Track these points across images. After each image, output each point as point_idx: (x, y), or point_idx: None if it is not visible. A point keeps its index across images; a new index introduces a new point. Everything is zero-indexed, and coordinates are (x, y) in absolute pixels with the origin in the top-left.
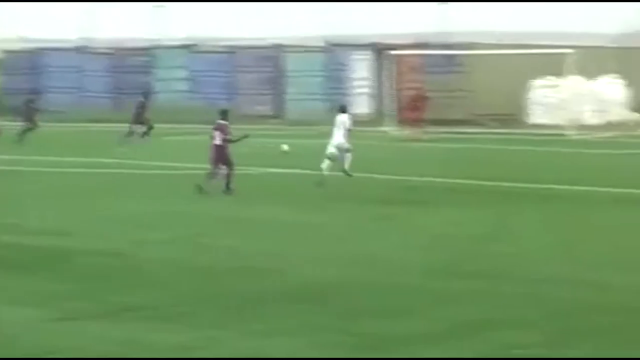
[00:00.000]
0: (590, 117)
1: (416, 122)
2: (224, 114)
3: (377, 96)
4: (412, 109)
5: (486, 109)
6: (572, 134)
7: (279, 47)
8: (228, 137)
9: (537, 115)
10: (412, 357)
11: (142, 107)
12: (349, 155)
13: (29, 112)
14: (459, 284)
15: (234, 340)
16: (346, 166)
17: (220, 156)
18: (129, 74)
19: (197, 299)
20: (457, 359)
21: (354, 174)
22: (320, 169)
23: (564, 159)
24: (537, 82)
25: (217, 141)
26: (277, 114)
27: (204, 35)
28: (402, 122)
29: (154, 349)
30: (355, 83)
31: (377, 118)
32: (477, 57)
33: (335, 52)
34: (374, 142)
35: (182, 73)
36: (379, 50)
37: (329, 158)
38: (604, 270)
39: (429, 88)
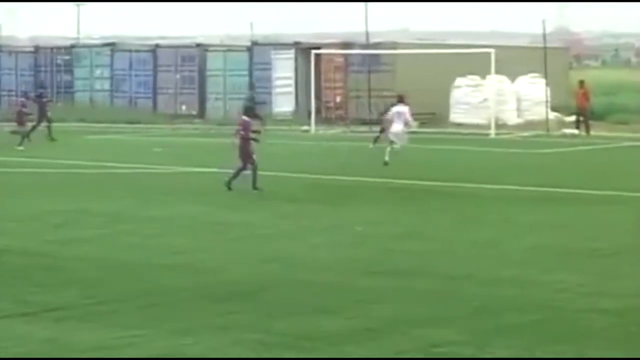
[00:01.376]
0: (511, 117)
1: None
2: (247, 110)
3: (300, 95)
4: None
5: (410, 109)
6: (493, 133)
7: (201, 46)
8: (248, 134)
9: (459, 115)
10: (334, 356)
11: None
12: (397, 147)
13: None
14: (380, 282)
15: (156, 339)
16: (386, 157)
17: (242, 153)
18: (50, 73)
19: (119, 297)
20: (379, 358)
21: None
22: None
23: (485, 158)
24: (459, 82)
25: (237, 140)
26: (200, 114)
27: (126, 33)
28: (326, 121)
29: (75, 348)
30: (279, 82)
31: (300, 117)
32: (402, 57)
33: (258, 51)
34: (297, 141)
35: (104, 72)
36: (303, 49)
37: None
38: (526, 268)
39: (353, 87)
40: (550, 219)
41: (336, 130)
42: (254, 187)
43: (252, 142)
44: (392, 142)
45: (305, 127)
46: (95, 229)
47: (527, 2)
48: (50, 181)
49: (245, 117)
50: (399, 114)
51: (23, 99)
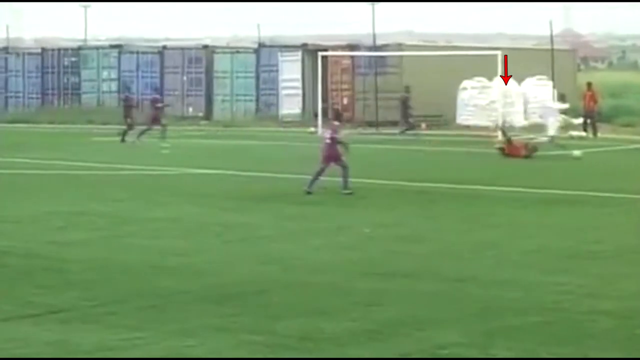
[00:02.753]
0: (518, 119)
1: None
2: (338, 116)
3: (307, 97)
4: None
5: (417, 111)
6: (500, 136)
7: (208, 48)
8: (338, 136)
9: (466, 117)
10: (337, 357)
11: None
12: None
13: None
14: (383, 284)
15: (159, 341)
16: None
17: (331, 154)
18: (57, 75)
19: (121, 299)
20: (382, 359)
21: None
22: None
23: (491, 160)
24: (466, 84)
25: (327, 139)
26: (207, 115)
27: (133, 35)
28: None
29: (79, 350)
30: (285, 84)
31: (307, 119)
32: (408, 59)
33: (265, 53)
34: (304, 142)
35: (111, 73)
36: (310, 51)
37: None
38: (528, 270)
39: (360, 89)
40: (554, 220)
41: (344, 132)
42: (346, 188)
43: (340, 145)
44: None
45: (312, 129)
46: (97, 231)
47: (532, 2)
48: (53, 182)
49: (335, 122)
50: None
51: (157, 96)
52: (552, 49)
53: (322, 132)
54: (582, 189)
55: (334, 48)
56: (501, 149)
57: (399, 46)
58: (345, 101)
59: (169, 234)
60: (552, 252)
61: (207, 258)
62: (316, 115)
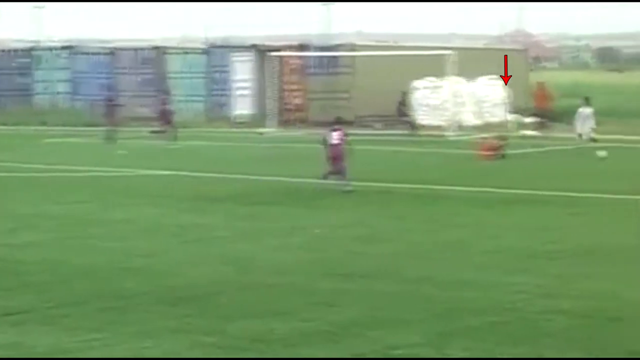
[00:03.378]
0: (470, 118)
1: None
2: (339, 121)
3: (259, 98)
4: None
5: (369, 111)
6: (452, 135)
7: (160, 49)
8: (346, 138)
9: (419, 117)
10: (292, 357)
11: None
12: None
13: None
14: (340, 285)
15: (116, 342)
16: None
17: (338, 155)
18: (8, 76)
19: (78, 301)
20: (334, 359)
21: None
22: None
23: (445, 160)
24: (418, 84)
25: (335, 140)
26: (159, 116)
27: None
28: (285, 123)
29: (36, 352)
30: (237, 85)
31: (258, 119)
32: (361, 59)
33: (216, 53)
34: (256, 143)
35: (63, 74)
36: (261, 51)
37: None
38: (487, 270)
39: (313, 89)
40: (514, 221)
41: (296, 133)
42: (346, 186)
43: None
44: None
45: (261, 130)
46: (53, 232)
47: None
48: (6, 185)
49: (338, 126)
50: None
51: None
52: (504, 49)
53: (327, 135)
54: (536, 188)
55: (285, 48)
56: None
57: (352, 46)
58: (297, 101)
59: (125, 235)
60: (512, 253)
61: (165, 259)
62: (267, 116)
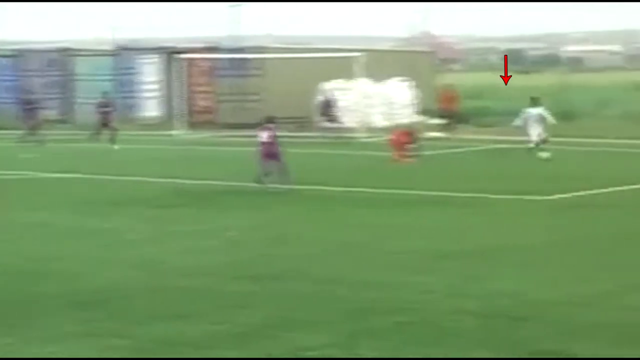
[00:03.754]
0: (379, 120)
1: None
2: (270, 120)
3: (167, 100)
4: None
5: (279, 112)
6: (362, 137)
7: (67, 51)
8: (275, 136)
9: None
10: (203, 357)
11: None
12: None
13: None
14: (250, 287)
15: (24, 347)
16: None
17: (271, 152)
18: None
19: None
20: (246, 358)
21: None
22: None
23: (354, 161)
24: (328, 85)
25: (265, 139)
26: (66, 119)
27: None
28: (194, 125)
29: None
30: (145, 87)
31: (167, 121)
32: (270, 61)
33: (124, 55)
34: (165, 145)
35: None
36: (169, 53)
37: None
38: (393, 271)
39: (222, 92)
40: (417, 221)
41: (205, 135)
42: (286, 184)
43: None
44: None
45: (172, 132)
46: None
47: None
48: None
49: (271, 124)
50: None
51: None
52: (412, 51)
53: (258, 134)
54: (445, 189)
55: (194, 50)
56: None
57: (261, 48)
58: (206, 103)
59: (33, 239)
60: (419, 253)
61: (72, 263)
62: (176, 118)
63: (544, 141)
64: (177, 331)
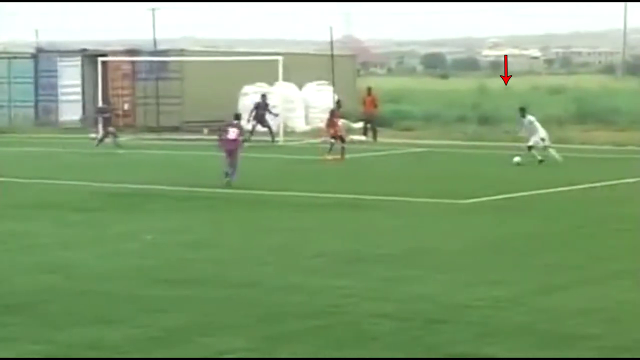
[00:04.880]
0: (299, 124)
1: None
2: (237, 118)
3: (87, 103)
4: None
5: (198, 116)
6: (282, 140)
7: None
8: (240, 133)
9: (247, 122)
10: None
11: None
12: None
13: None
14: (169, 291)
15: None
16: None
17: (233, 149)
18: None
19: None
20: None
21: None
22: (533, 155)
23: (273, 165)
24: (247, 89)
25: (232, 136)
26: None
27: None
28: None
29: None
30: (65, 90)
31: (87, 125)
32: (190, 64)
33: (44, 58)
34: (82, 149)
35: None
36: (89, 56)
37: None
38: (312, 275)
39: (141, 95)
40: (337, 225)
41: (124, 138)
42: (229, 177)
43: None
44: None
45: (92, 135)
46: None
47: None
48: None
49: (237, 122)
50: None
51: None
52: (332, 55)
53: (225, 130)
54: (363, 192)
55: (114, 53)
56: None
57: (181, 51)
58: (126, 107)
59: None
60: (335, 256)
61: None
62: (97, 121)
63: (533, 148)
64: (96, 336)
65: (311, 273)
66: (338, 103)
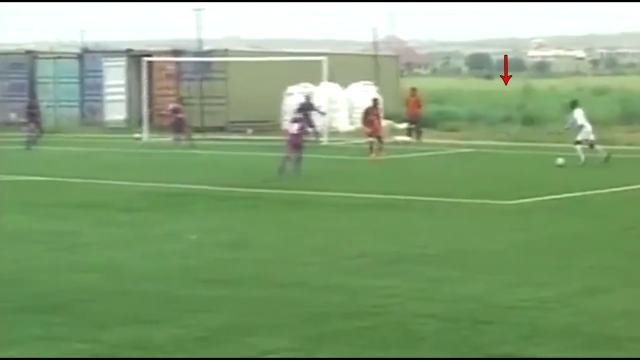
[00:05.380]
0: (344, 124)
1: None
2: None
3: (132, 103)
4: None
5: (243, 116)
6: (326, 141)
7: (31, 53)
8: (303, 128)
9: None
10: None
11: None
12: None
13: None
14: (212, 291)
15: None
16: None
17: (297, 143)
18: None
19: None
20: (212, 358)
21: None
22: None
23: (317, 165)
24: (292, 89)
25: (295, 131)
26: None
27: None
28: (158, 128)
29: None
30: (110, 90)
31: (132, 125)
32: (234, 64)
33: (89, 58)
34: (130, 149)
35: None
36: (134, 57)
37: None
38: (355, 275)
39: (186, 95)
40: (380, 225)
41: (169, 138)
42: (297, 173)
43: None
44: None
45: (137, 135)
46: None
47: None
48: None
49: (300, 115)
50: None
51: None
52: (376, 55)
53: (289, 125)
54: (406, 193)
55: (159, 54)
56: None
57: (225, 52)
58: (170, 107)
59: None
60: (379, 257)
61: (31, 266)
62: (141, 121)
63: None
64: (141, 335)
65: (353, 273)
66: (375, 101)
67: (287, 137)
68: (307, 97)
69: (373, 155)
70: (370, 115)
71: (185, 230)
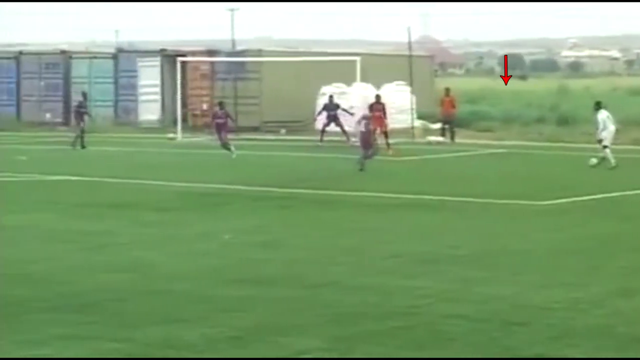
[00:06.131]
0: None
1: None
2: (373, 106)
3: (166, 103)
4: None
5: (276, 116)
6: (356, 141)
7: (66, 53)
8: (369, 124)
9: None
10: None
11: None
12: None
13: None
14: (244, 291)
15: (8, 350)
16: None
17: (368, 140)
18: None
19: None
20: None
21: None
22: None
23: (349, 165)
24: (325, 89)
25: (363, 128)
26: (65, 121)
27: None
28: (192, 128)
29: None
30: (144, 90)
31: (166, 125)
32: (268, 64)
33: (123, 58)
34: (164, 148)
35: None
36: (168, 56)
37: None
38: (388, 275)
39: (220, 95)
40: (412, 225)
41: (203, 138)
42: (361, 166)
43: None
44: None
45: (171, 135)
46: None
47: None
48: None
49: (367, 113)
50: None
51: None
52: (410, 55)
53: (358, 124)
54: (440, 193)
55: (193, 53)
56: None
57: (259, 52)
58: (204, 107)
59: (22, 241)
60: (412, 257)
61: (60, 266)
62: (175, 121)
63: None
64: (172, 335)
65: (386, 273)
66: (378, 97)
67: (358, 137)
68: (330, 98)
69: (391, 152)
70: (375, 112)
71: (218, 230)
